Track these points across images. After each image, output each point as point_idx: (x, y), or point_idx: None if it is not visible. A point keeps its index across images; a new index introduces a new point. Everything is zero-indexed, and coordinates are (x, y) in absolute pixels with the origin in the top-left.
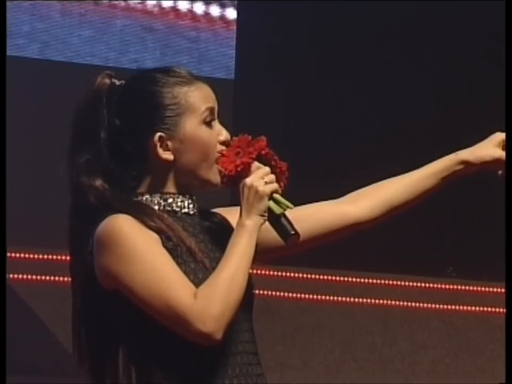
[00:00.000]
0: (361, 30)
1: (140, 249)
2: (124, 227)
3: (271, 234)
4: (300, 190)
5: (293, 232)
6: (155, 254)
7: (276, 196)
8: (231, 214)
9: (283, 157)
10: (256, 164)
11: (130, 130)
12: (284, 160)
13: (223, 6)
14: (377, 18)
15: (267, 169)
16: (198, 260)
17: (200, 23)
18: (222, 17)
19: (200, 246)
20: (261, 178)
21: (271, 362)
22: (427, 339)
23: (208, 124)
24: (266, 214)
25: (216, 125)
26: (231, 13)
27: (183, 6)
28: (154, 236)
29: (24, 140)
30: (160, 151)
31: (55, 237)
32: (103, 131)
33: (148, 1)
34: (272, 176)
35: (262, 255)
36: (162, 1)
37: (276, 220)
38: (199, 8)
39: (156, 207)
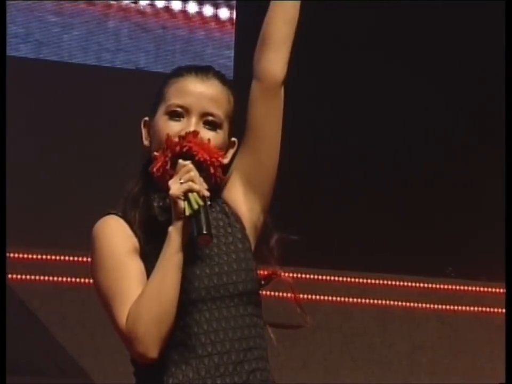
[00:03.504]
0: (363, 29)
1: (105, 257)
2: (104, 233)
3: (242, 163)
4: (299, 189)
5: (204, 232)
6: (116, 265)
7: (190, 195)
8: (230, 194)
9: (281, 157)
10: (180, 162)
11: None
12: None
13: (217, 6)
14: (378, 18)
15: (187, 167)
16: None
17: (196, 23)
18: (218, 17)
19: None
20: (178, 179)
21: (270, 362)
22: (426, 339)
23: (174, 116)
24: (182, 216)
25: (190, 121)
26: (228, 13)
27: (177, 6)
28: (132, 240)
29: (22, 140)
30: (144, 135)
31: (55, 237)
32: None
33: (141, 1)
34: (190, 175)
35: (261, 185)
36: (156, 1)
37: (189, 219)
38: (195, 8)
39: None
